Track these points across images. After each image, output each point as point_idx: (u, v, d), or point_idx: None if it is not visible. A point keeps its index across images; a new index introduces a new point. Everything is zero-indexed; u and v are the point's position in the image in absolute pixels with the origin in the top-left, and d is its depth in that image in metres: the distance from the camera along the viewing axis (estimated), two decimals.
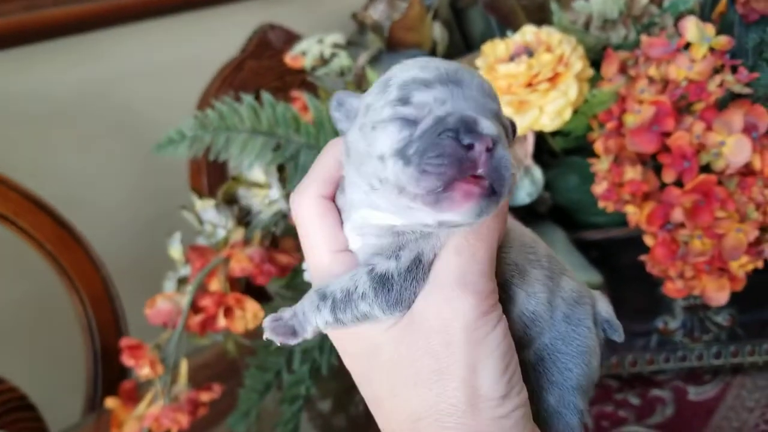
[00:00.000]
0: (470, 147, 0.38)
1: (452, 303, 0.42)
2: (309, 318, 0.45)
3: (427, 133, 0.39)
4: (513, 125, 0.45)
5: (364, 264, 0.44)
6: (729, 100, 0.71)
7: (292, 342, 0.45)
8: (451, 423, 0.42)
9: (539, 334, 0.47)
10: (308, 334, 0.45)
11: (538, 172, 0.76)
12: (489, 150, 0.38)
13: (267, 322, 0.45)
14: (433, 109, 0.40)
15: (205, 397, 0.82)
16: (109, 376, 1.11)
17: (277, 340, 0.45)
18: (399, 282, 0.43)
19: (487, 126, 0.38)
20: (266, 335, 0.45)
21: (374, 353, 0.45)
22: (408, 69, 0.42)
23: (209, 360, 1.04)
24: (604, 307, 0.50)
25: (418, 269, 0.43)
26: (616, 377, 0.88)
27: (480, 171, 0.38)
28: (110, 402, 0.85)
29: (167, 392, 0.81)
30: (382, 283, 0.43)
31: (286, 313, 0.46)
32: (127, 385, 0.87)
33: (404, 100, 0.40)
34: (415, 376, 0.43)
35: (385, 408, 0.46)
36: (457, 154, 0.38)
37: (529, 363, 0.47)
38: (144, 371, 0.81)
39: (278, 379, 0.88)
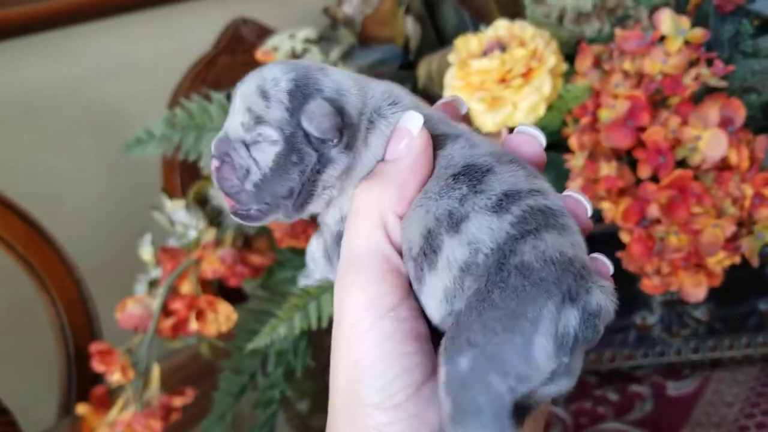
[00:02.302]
0: None
1: (339, 296, 0.41)
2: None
3: None
4: (309, 112, 0.42)
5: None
6: (705, 93, 0.70)
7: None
8: (338, 424, 0.41)
9: (474, 281, 0.38)
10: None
11: None
12: (218, 168, 0.43)
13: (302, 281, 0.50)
14: None
15: (177, 401, 0.80)
16: (84, 379, 1.09)
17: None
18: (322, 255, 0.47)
19: (215, 148, 0.43)
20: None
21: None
22: None
23: (183, 363, 1.02)
24: (598, 298, 0.38)
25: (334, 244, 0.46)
26: (595, 373, 0.88)
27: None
28: (81, 408, 0.83)
29: (139, 398, 0.80)
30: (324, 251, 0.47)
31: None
32: (99, 390, 0.85)
33: None
34: (331, 376, 0.42)
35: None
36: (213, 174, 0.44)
37: (458, 312, 0.39)
38: (115, 377, 0.79)
39: (253, 382, 0.87)
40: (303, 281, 0.50)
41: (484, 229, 0.38)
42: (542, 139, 0.44)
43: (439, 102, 0.47)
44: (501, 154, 0.42)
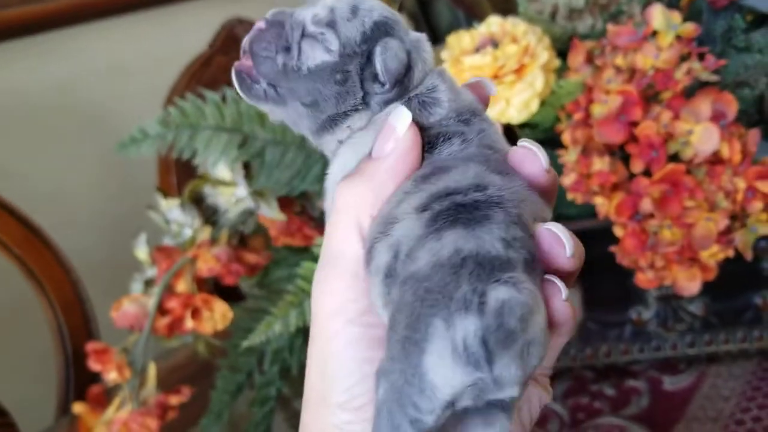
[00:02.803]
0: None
1: (314, 298, 0.40)
2: None
3: None
4: (386, 48, 0.40)
5: None
6: (697, 88, 0.70)
7: None
8: (305, 429, 0.41)
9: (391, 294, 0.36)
10: None
11: None
12: (261, 30, 0.41)
13: None
14: None
15: (174, 400, 0.80)
16: (82, 380, 1.09)
17: None
18: None
19: (273, 12, 0.41)
20: None
21: None
22: None
23: (180, 363, 1.02)
24: (500, 294, 0.32)
25: None
26: (591, 368, 0.88)
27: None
28: (78, 407, 0.83)
29: (135, 396, 0.80)
30: None
31: None
32: (95, 389, 0.85)
33: None
34: (306, 370, 0.42)
35: None
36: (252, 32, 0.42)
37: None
38: (111, 376, 0.80)
39: (250, 380, 0.87)
40: None
41: (406, 230, 0.35)
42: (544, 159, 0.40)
43: (465, 83, 0.44)
44: (475, 156, 0.39)
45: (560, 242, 0.37)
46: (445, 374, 0.31)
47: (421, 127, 0.40)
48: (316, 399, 0.40)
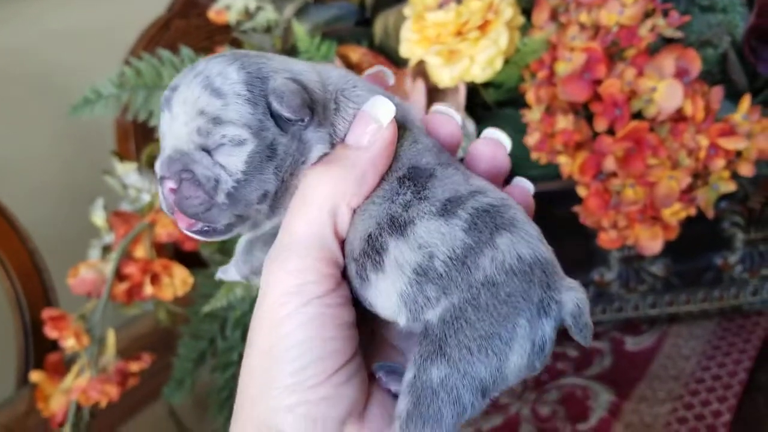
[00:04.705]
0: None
1: (266, 278, 0.39)
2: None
3: None
4: (276, 91, 0.39)
5: None
6: (661, 46, 0.70)
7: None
8: (243, 414, 0.39)
9: (443, 294, 0.38)
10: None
11: (470, 125, 0.74)
12: (173, 189, 0.38)
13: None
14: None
15: (134, 367, 0.79)
16: (41, 350, 1.07)
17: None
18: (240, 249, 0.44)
19: (166, 168, 0.39)
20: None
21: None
22: None
23: (143, 332, 1.01)
24: (573, 298, 0.38)
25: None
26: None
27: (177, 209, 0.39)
28: (35, 376, 0.81)
29: (95, 364, 0.78)
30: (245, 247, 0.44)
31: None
32: (53, 357, 0.83)
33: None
34: (245, 356, 0.41)
35: None
36: (164, 199, 0.40)
37: (430, 324, 0.39)
38: (69, 343, 0.78)
39: (213, 347, 0.86)
40: (220, 274, 0.46)
41: (434, 233, 0.38)
42: (507, 143, 0.44)
43: (365, 73, 0.45)
44: (440, 152, 0.42)
45: (500, 144, 0.43)
46: (519, 368, 0.37)
47: None
48: (257, 386, 0.39)
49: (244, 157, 0.38)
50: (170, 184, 0.38)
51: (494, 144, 0.43)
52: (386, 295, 0.39)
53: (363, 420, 0.40)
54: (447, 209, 0.39)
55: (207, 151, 0.38)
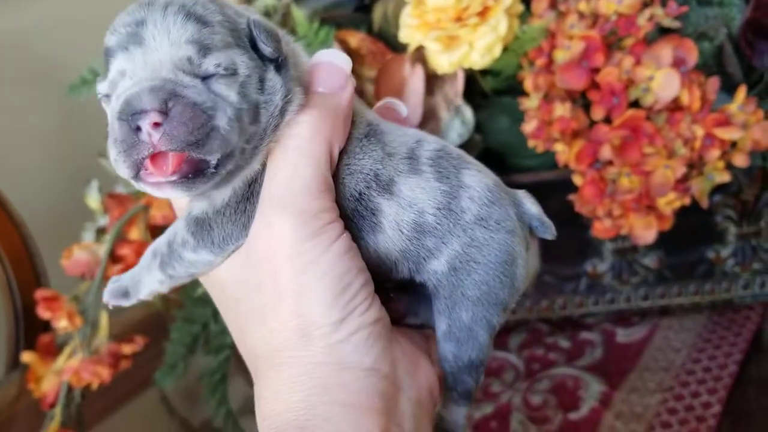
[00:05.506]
0: (139, 128, 0.35)
1: (273, 228, 0.39)
2: (142, 279, 0.43)
3: (113, 118, 0.36)
4: (258, 24, 0.39)
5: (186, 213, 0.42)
6: (659, 35, 0.70)
7: (125, 304, 0.44)
8: (283, 358, 0.39)
9: (442, 243, 0.42)
10: (142, 295, 0.43)
11: (468, 112, 0.74)
12: (157, 124, 0.35)
13: (108, 284, 0.44)
14: (118, 85, 0.37)
15: (127, 349, 0.79)
16: (32, 334, 1.06)
17: (109, 303, 0.43)
18: (216, 218, 0.40)
19: (149, 98, 0.35)
20: (104, 298, 0.44)
21: (222, 291, 0.43)
22: (109, 31, 0.39)
23: (137, 318, 1.00)
24: (530, 205, 0.45)
25: (242, 199, 0.40)
26: (546, 321, 0.89)
27: (160, 148, 0.35)
28: (27, 356, 0.81)
29: (87, 345, 0.78)
30: (199, 224, 0.40)
31: (127, 273, 0.44)
32: (45, 338, 0.83)
33: (103, 74, 0.38)
34: (251, 312, 0.40)
35: (240, 347, 0.44)
36: (128, 140, 0.35)
37: (441, 274, 0.43)
38: (61, 324, 0.78)
39: (206, 332, 0.85)
40: (123, 302, 0.44)
41: (416, 189, 0.42)
42: (403, 109, 0.48)
43: (376, 106, 0.48)
44: (371, 111, 0.46)
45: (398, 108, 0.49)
46: (524, 274, 0.44)
47: None
48: (282, 342, 0.39)
49: (236, 87, 0.38)
50: (154, 117, 0.35)
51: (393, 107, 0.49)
52: (385, 252, 0.42)
53: (399, 335, 0.43)
54: (413, 165, 0.42)
55: (201, 77, 0.37)
